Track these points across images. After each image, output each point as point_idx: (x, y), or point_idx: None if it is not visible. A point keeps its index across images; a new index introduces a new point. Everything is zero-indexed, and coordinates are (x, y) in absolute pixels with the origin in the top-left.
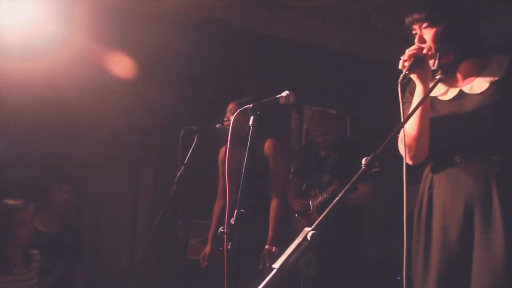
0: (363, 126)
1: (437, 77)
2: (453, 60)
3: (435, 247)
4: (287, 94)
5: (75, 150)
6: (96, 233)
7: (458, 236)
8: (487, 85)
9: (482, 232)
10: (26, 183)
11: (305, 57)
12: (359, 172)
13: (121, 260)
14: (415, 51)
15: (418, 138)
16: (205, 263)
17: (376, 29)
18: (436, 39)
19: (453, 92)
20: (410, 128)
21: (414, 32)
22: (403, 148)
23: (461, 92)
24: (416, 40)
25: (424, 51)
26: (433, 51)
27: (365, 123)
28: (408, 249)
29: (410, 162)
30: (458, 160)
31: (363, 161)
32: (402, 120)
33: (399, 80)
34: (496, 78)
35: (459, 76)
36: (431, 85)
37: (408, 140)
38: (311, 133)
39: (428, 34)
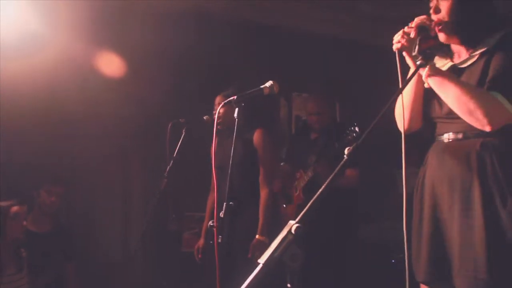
0: (352, 111)
1: (418, 62)
2: (433, 44)
3: (425, 225)
4: (271, 84)
5: (64, 147)
6: (89, 229)
7: (445, 214)
8: (474, 60)
9: (463, 210)
10: (18, 184)
11: (292, 43)
12: (342, 162)
13: (114, 256)
14: (420, 21)
15: (406, 106)
16: (199, 256)
17: (363, 12)
18: (452, 10)
19: (447, 67)
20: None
21: (430, 5)
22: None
23: (453, 67)
24: (431, 10)
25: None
26: (446, 20)
27: (355, 107)
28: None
29: (401, 130)
30: (446, 139)
31: (346, 151)
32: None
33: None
34: (482, 51)
35: (461, 48)
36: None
37: (399, 109)
38: (306, 112)
39: (444, 4)
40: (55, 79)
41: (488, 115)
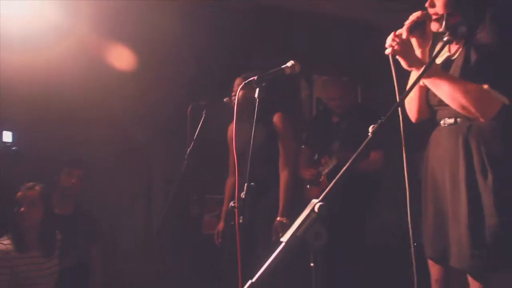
0: (374, 93)
1: (445, 39)
2: (460, 20)
3: (429, 205)
4: (292, 64)
5: (86, 133)
6: (111, 212)
7: (441, 194)
8: (461, 49)
9: (452, 191)
10: (40, 169)
11: (313, 25)
12: (366, 140)
13: (136, 238)
14: (416, 18)
15: (413, 98)
16: (219, 240)
17: None
18: (446, 5)
19: (443, 57)
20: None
21: None
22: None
23: (447, 60)
24: (427, 4)
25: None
26: (440, 15)
27: (376, 89)
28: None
29: (413, 120)
30: (442, 124)
31: (370, 129)
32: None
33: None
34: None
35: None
36: (438, 47)
37: (408, 101)
38: (326, 97)
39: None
40: (73, 69)
41: (480, 108)
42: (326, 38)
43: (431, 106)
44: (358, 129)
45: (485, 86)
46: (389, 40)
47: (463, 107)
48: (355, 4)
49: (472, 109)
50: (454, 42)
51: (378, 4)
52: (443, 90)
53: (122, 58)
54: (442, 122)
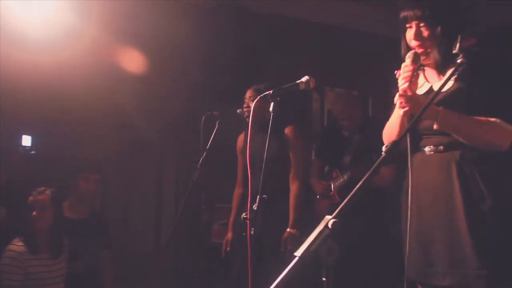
0: (385, 107)
1: (458, 61)
2: (475, 43)
3: (413, 230)
4: (307, 79)
5: (99, 138)
6: (122, 219)
7: (429, 219)
8: (451, 82)
9: (447, 214)
10: (53, 172)
11: (325, 38)
12: (380, 159)
13: (146, 245)
14: (413, 68)
15: (394, 125)
16: (227, 249)
17: (397, 7)
18: (434, 38)
19: (425, 87)
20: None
21: (408, 25)
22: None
23: (430, 89)
24: (412, 36)
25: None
26: (431, 48)
27: (388, 103)
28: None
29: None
30: (427, 151)
31: (384, 148)
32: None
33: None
34: (455, 77)
35: (436, 70)
36: (450, 71)
37: (388, 127)
38: (336, 116)
39: (426, 32)
40: (85, 72)
41: (501, 142)
42: (338, 51)
43: (417, 131)
44: (368, 143)
45: (494, 120)
46: (397, 101)
47: (485, 144)
48: (366, 17)
49: (493, 144)
50: (437, 73)
51: (390, 17)
52: (462, 133)
53: (134, 60)
54: (427, 149)
